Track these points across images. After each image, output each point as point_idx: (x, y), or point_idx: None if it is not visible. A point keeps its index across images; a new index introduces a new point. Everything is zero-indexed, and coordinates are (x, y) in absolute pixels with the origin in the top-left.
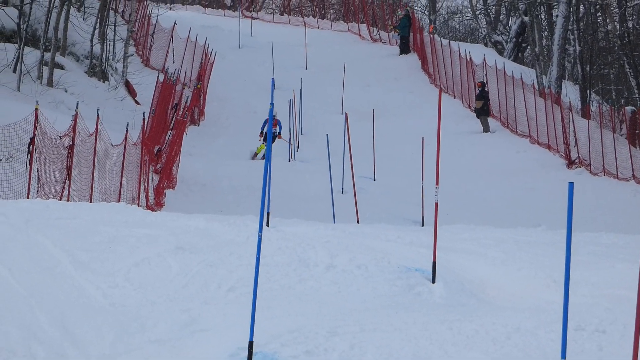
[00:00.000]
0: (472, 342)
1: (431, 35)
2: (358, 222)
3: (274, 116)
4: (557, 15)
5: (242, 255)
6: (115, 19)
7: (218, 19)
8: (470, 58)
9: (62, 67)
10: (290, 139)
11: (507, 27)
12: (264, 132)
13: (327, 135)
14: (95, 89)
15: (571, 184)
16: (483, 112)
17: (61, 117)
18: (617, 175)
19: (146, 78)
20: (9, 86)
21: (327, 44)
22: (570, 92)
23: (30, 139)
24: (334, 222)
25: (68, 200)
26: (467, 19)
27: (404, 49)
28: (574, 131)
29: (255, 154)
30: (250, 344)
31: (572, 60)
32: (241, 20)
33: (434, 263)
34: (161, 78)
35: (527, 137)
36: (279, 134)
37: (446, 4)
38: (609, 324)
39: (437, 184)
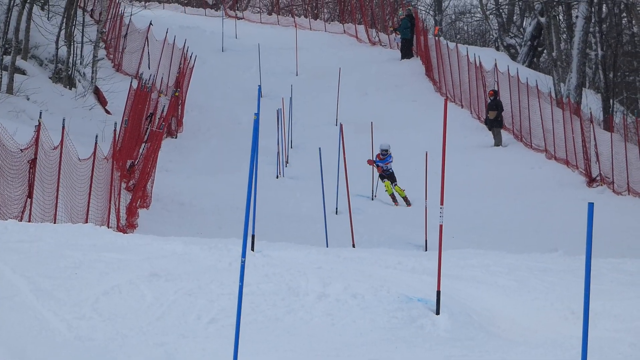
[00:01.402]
0: None
1: (436, 37)
2: (354, 246)
3: (387, 150)
4: (577, 16)
5: (224, 283)
6: (84, 18)
7: (199, 19)
8: (480, 63)
9: (23, 72)
10: (278, 153)
11: (521, 29)
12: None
13: (319, 148)
14: (60, 96)
15: (591, 205)
16: (496, 123)
17: (22, 128)
18: None
19: (118, 85)
20: None
21: (321, 47)
22: (592, 102)
23: None
24: (327, 246)
25: (29, 221)
26: (476, 20)
27: (406, 53)
28: (595, 145)
29: (393, 196)
30: None
31: (594, 66)
32: (224, 20)
33: (438, 292)
34: (135, 85)
35: (543, 152)
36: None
37: (453, 3)
38: None
39: (442, 203)
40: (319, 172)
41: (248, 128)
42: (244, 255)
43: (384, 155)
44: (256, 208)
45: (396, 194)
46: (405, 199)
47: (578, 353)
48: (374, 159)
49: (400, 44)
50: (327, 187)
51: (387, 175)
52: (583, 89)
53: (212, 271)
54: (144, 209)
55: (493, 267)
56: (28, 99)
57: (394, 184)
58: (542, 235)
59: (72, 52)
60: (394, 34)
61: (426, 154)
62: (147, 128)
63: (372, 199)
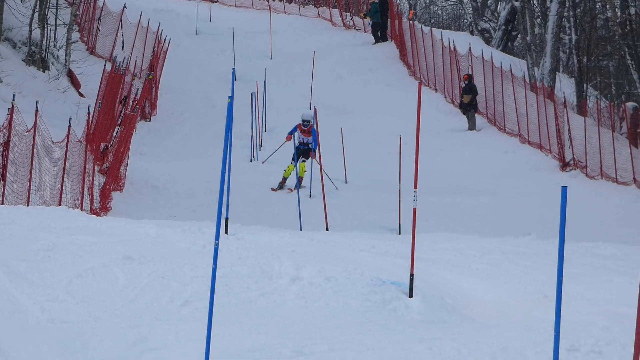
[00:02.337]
0: None
1: (411, 21)
2: (327, 229)
3: (309, 121)
4: (551, 1)
5: (197, 265)
6: (57, 1)
7: (173, 3)
8: (454, 47)
9: None
10: (252, 136)
11: (496, 13)
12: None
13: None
14: (34, 79)
15: (565, 188)
16: (470, 107)
17: None
18: (617, 178)
19: (91, 67)
20: None
21: (295, 31)
22: (565, 86)
23: None
24: (301, 230)
25: (2, 203)
26: (451, 4)
27: (378, 37)
28: (569, 130)
29: (284, 180)
30: None
31: (568, 51)
32: (198, 3)
33: (412, 275)
34: (108, 68)
35: (516, 136)
36: (312, 151)
37: None
38: (606, 344)
39: (415, 187)
40: (293, 155)
41: (222, 111)
42: (217, 238)
43: (306, 127)
44: (230, 191)
45: (292, 176)
46: (300, 179)
47: (551, 336)
48: (292, 132)
49: (371, 29)
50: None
51: (302, 152)
52: (557, 73)
53: (186, 254)
54: (118, 192)
55: (467, 250)
56: (1, 82)
57: (300, 161)
58: (515, 219)
59: (45, 34)
60: (365, 19)
61: (400, 138)
62: (121, 111)
63: (346, 182)
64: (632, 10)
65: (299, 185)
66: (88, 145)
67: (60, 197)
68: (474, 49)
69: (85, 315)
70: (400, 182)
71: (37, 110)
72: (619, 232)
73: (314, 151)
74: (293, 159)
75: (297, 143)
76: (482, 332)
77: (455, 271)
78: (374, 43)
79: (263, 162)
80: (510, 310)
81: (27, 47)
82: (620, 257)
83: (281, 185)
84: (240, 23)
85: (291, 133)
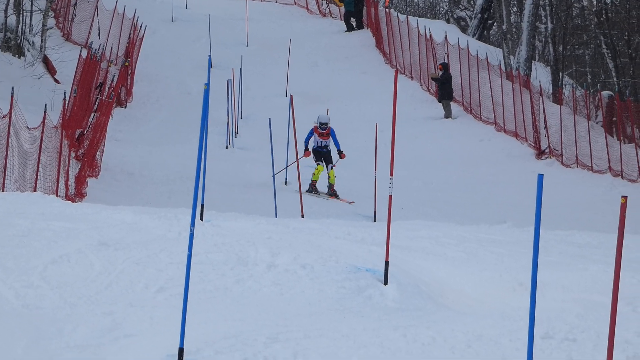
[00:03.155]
0: (429, 351)
1: (387, 9)
2: (303, 216)
3: (327, 124)
4: None
5: (173, 252)
6: None
7: None
8: (431, 35)
9: None
10: (228, 123)
11: (472, 1)
12: (308, 147)
13: (269, 119)
14: (9, 65)
15: (540, 176)
16: (445, 95)
17: None
18: (592, 167)
19: (67, 54)
20: None
21: (271, 19)
22: (541, 75)
23: None
24: (276, 217)
25: None
26: None
27: (350, 26)
28: (545, 118)
29: (314, 183)
30: (181, 350)
31: (544, 39)
32: None
33: (387, 263)
34: (84, 54)
35: (492, 124)
36: (340, 152)
37: None
38: (581, 331)
39: (391, 174)
40: (269, 142)
41: (198, 98)
42: (192, 224)
43: (324, 129)
44: (206, 178)
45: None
46: (332, 186)
47: (526, 324)
48: (308, 140)
49: (344, 17)
50: (277, 157)
51: (323, 155)
52: (533, 61)
53: (161, 240)
54: (93, 179)
55: (442, 238)
56: None
57: (330, 167)
58: (491, 207)
59: (21, 20)
60: (341, 6)
61: (376, 126)
62: (97, 98)
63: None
64: (608, 0)
65: (330, 192)
66: (63, 131)
67: (36, 183)
68: (450, 37)
69: (60, 302)
70: (375, 170)
71: (12, 96)
72: (594, 220)
73: (341, 151)
74: (318, 161)
75: (315, 145)
76: (457, 319)
77: (431, 259)
78: (346, 31)
79: (274, 175)
80: (486, 298)
81: (2, 33)
82: (595, 245)
83: (312, 189)
84: (217, 10)
85: (307, 144)
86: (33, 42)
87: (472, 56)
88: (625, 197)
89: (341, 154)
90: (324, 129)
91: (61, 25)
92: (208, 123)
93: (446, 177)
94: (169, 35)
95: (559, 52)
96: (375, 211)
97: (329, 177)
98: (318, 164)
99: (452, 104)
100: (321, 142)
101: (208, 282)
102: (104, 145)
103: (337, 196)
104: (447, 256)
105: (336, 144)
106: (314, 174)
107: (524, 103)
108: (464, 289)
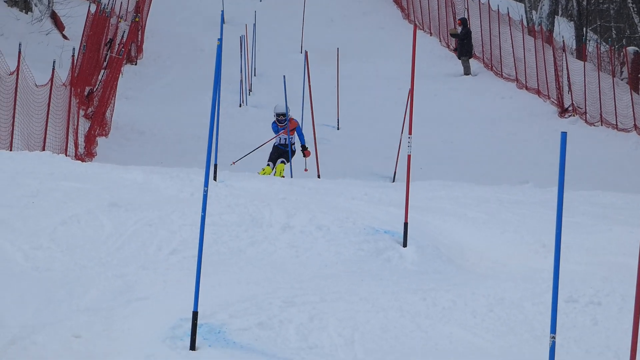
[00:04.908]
0: (449, 315)
1: None
2: (319, 176)
3: (284, 114)
4: None
5: (185, 213)
6: None
7: None
8: None
9: None
10: (241, 81)
11: None
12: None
13: (284, 77)
14: (16, 20)
15: (564, 134)
16: (465, 52)
17: None
18: (617, 125)
19: (76, 9)
20: None
21: None
22: (564, 30)
23: None
24: (292, 177)
25: None
26: None
27: None
28: (568, 75)
29: None
30: (195, 314)
31: None
32: None
33: (406, 224)
34: (93, 9)
35: (514, 81)
36: (305, 148)
37: None
38: (605, 295)
39: (410, 133)
40: (283, 101)
41: (210, 55)
42: (206, 185)
43: (282, 122)
44: (219, 137)
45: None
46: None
47: (549, 287)
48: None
49: None
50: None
51: (282, 154)
52: (555, 16)
53: (174, 201)
54: (103, 138)
55: (462, 199)
56: None
57: (280, 161)
58: (512, 167)
59: None
60: None
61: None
62: (106, 54)
63: (338, 129)
64: None
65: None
66: (72, 89)
67: (44, 142)
68: None
69: (70, 264)
70: (402, 131)
71: (20, 52)
72: (619, 180)
73: (306, 147)
74: (270, 160)
75: (277, 141)
76: (478, 282)
77: (451, 220)
78: None
79: (233, 164)
80: (507, 260)
81: None
82: (620, 206)
83: None
84: None
85: (276, 131)
86: None
87: (493, 11)
88: None
89: (305, 150)
90: (282, 122)
91: None
92: (221, 81)
93: (466, 136)
94: None
95: (582, 7)
96: (395, 171)
97: (275, 172)
98: (268, 165)
99: (472, 60)
100: (281, 138)
101: (222, 244)
102: (114, 104)
103: None
104: (467, 217)
105: (301, 138)
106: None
107: (547, 59)
108: (485, 251)
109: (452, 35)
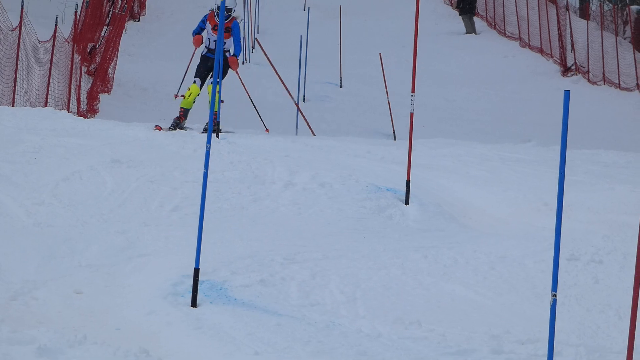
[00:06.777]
0: (451, 272)
1: None
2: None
3: (231, 9)
4: None
5: (187, 170)
6: None
7: None
8: None
9: None
10: (244, 38)
11: None
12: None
13: (301, 37)
14: None
15: (567, 92)
16: (467, 9)
17: None
18: (619, 84)
19: None
20: None
21: None
22: None
23: None
24: (296, 134)
25: None
26: None
27: None
28: (571, 33)
29: (182, 112)
30: (196, 271)
31: None
32: None
33: (408, 182)
34: None
35: (516, 40)
36: (233, 55)
37: None
38: (607, 253)
39: (413, 91)
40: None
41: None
42: (209, 141)
43: (227, 18)
44: (221, 94)
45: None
46: (215, 114)
47: (550, 245)
48: (198, 29)
49: None
50: (295, 74)
51: (211, 65)
52: None
53: (176, 158)
54: (106, 94)
55: (464, 157)
56: None
57: (209, 82)
58: (515, 125)
59: None
60: None
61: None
62: (109, 10)
63: (341, 87)
64: None
65: (212, 124)
66: (75, 45)
67: (47, 98)
68: None
69: (72, 220)
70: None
71: (22, 8)
72: (621, 139)
73: (236, 56)
74: (197, 76)
75: (204, 49)
76: (480, 240)
77: (453, 178)
78: None
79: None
80: (509, 218)
81: None
82: (622, 165)
83: (177, 123)
84: None
85: (198, 33)
86: None
87: None
88: None
89: (234, 63)
90: (226, 18)
91: None
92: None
93: (469, 95)
94: None
95: None
96: (393, 129)
97: (209, 98)
98: (194, 81)
99: (474, 18)
100: (214, 39)
101: (224, 201)
102: (116, 60)
103: (218, 130)
104: (469, 175)
105: (236, 47)
106: (184, 96)
107: (550, 18)
108: (487, 209)
109: None
